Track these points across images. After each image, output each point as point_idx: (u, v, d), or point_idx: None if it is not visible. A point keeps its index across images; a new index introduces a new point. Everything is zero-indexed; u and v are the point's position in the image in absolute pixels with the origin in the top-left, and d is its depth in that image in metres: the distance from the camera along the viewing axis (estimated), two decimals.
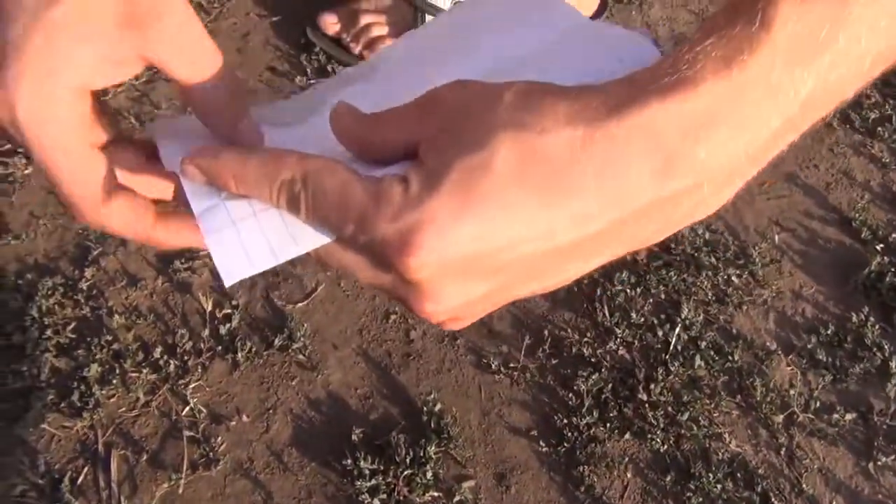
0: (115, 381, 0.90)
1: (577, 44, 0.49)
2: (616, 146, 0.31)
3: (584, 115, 0.31)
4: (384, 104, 0.48)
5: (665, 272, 1.01)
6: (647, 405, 0.92)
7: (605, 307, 0.98)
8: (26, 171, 1.02)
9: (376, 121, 0.38)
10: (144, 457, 0.87)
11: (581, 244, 0.33)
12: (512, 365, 0.95)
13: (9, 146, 1.03)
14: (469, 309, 0.36)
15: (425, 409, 0.91)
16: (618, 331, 0.97)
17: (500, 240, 0.32)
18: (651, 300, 1.00)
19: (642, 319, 0.98)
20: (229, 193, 0.40)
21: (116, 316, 0.94)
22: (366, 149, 0.39)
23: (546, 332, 0.97)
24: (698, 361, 0.95)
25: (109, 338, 0.92)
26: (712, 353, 0.96)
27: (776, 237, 1.07)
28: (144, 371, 0.91)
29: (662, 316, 0.99)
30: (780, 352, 0.98)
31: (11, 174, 1.02)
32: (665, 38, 1.25)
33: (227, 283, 0.38)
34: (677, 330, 0.97)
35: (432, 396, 0.92)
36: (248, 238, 0.40)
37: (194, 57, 0.39)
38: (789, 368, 0.97)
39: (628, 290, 1.00)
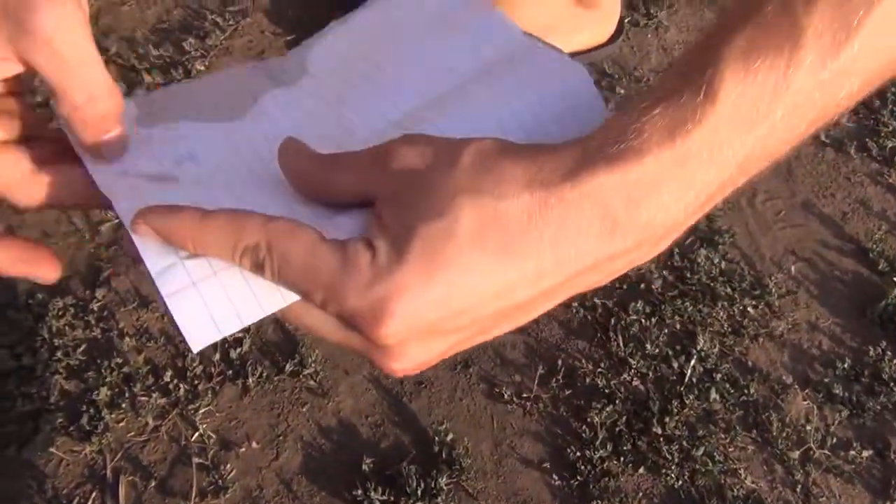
0: (124, 405, 0.89)
1: (514, 64, 0.49)
2: (569, 212, 0.33)
3: (539, 179, 0.34)
4: (317, 118, 0.46)
5: (680, 302, 1.00)
6: (661, 439, 0.91)
7: (620, 337, 0.98)
8: None
9: (330, 165, 0.38)
10: (153, 483, 0.86)
11: (534, 298, 0.35)
12: (525, 395, 0.94)
13: None
14: (431, 361, 0.37)
15: (437, 438, 0.90)
16: (632, 361, 0.96)
17: (464, 303, 0.34)
18: (666, 330, 0.99)
19: (657, 350, 0.97)
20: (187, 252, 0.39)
21: (127, 338, 0.93)
22: (316, 192, 0.39)
23: (560, 362, 0.96)
24: (713, 395, 0.94)
25: (120, 360, 0.92)
26: (728, 386, 0.95)
27: (792, 268, 1.06)
28: (154, 395, 0.90)
29: (677, 347, 0.98)
30: (796, 386, 0.97)
31: None
32: None
33: (195, 349, 0.37)
34: (692, 362, 0.96)
35: (444, 426, 0.91)
36: (211, 300, 0.38)
37: (67, 60, 0.37)
38: (805, 403, 0.96)
39: (643, 320, 0.99)
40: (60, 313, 0.93)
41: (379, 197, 0.37)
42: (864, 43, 0.33)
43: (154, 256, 0.39)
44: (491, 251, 0.33)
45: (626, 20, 1.22)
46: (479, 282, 0.34)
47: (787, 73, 0.33)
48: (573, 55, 1.18)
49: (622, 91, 1.18)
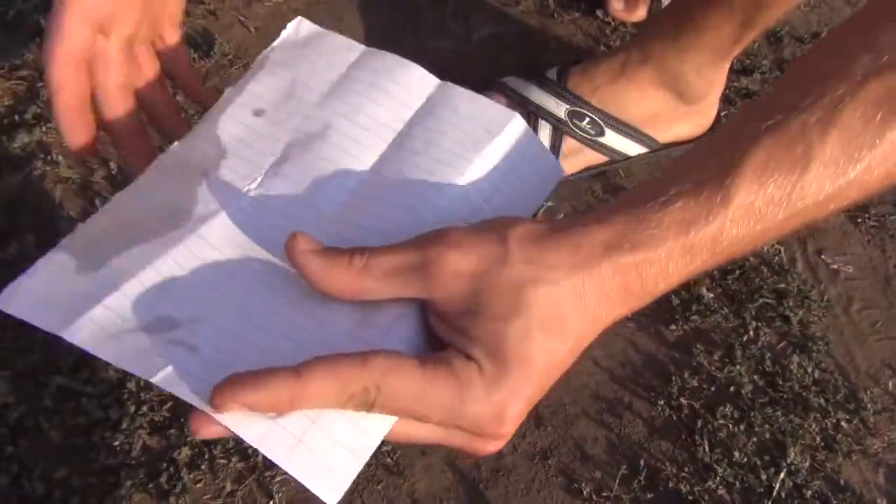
0: (203, 467, 0.89)
1: (449, 118, 0.49)
2: (603, 286, 0.40)
3: (580, 261, 0.40)
4: (277, 196, 0.45)
5: (771, 410, 0.97)
6: None
7: (706, 441, 0.94)
8: None
9: (362, 272, 0.41)
10: None
11: (580, 351, 0.43)
12: (605, 493, 0.91)
13: None
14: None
15: None
16: (718, 469, 0.92)
17: (549, 381, 0.41)
18: (755, 439, 0.95)
19: (745, 459, 0.93)
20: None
21: None
22: (346, 294, 0.41)
23: (642, 462, 0.93)
24: None
25: None
26: None
27: (889, 383, 1.02)
28: (234, 459, 0.90)
29: (766, 457, 0.94)
30: None
31: None
32: None
33: (333, 502, 0.37)
34: (782, 475, 0.92)
35: None
36: (323, 451, 0.37)
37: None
38: None
39: (731, 426, 0.95)
40: None
41: (436, 300, 0.40)
42: (861, 173, 0.39)
43: (244, 424, 0.37)
44: (558, 332, 0.40)
45: (722, 114, 1.22)
46: (556, 359, 0.40)
47: (793, 191, 0.39)
48: (670, 146, 1.18)
49: None
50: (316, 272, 0.41)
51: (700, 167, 0.40)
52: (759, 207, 0.39)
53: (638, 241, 0.40)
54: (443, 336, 0.40)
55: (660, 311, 1.04)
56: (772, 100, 0.42)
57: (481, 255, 0.39)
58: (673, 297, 1.04)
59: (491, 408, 0.38)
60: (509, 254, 0.39)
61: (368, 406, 0.38)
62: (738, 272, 1.06)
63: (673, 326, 1.02)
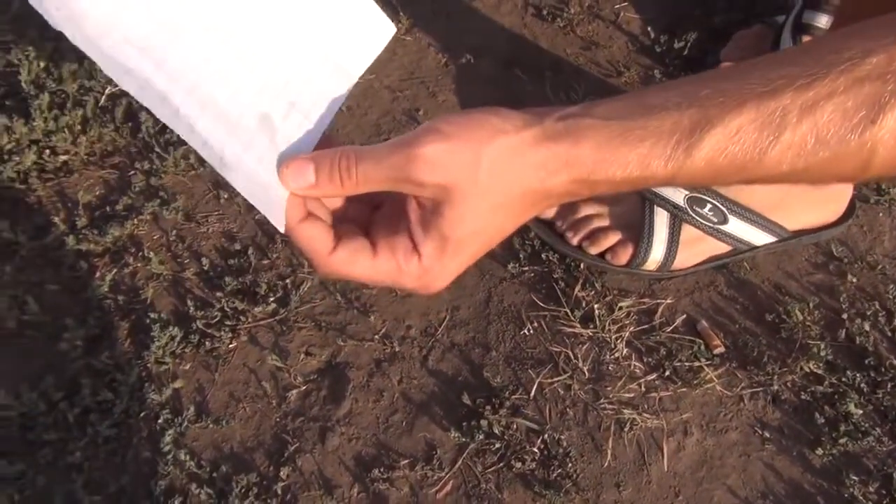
0: None
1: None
2: (553, 192, 0.45)
3: (542, 179, 0.44)
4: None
5: None
6: None
7: None
8: (231, 346, 0.99)
9: (356, 185, 0.45)
10: None
11: None
12: None
13: (218, 318, 1.00)
14: None
15: None
16: None
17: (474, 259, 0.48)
18: None
19: None
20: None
21: None
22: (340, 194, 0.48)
23: None
24: None
25: None
26: None
27: None
28: None
29: None
30: None
31: (216, 348, 0.98)
32: None
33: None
34: None
35: None
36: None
37: None
38: None
39: None
40: (244, 492, 0.88)
41: (413, 197, 0.45)
42: (821, 163, 0.41)
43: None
44: (500, 234, 0.47)
45: (852, 193, 1.10)
46: (487, 246, 0.47)
47: (753, 160, 0.42)
48: (800, 233, 1.07)
49: (854, 279, 1.05)
50: (316, 188, 0.46)
51: (679, 111, 0.42)
52: (718, 164, 0.42)
53: (600, 169, 0.43)
54: (410, 215, 0.46)
55: (803, 431, 0.93)
56: (775, 65, 0.42)
57: (454, 173, 0.43)
58: (817, 414, 0.93)
59: (422, 284, 0.47)
60: (478, 175, 0.43)
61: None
62: (889, 385, 0.94)
63: (819, 450, 0.91)
